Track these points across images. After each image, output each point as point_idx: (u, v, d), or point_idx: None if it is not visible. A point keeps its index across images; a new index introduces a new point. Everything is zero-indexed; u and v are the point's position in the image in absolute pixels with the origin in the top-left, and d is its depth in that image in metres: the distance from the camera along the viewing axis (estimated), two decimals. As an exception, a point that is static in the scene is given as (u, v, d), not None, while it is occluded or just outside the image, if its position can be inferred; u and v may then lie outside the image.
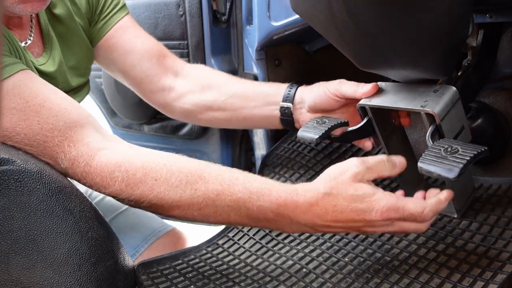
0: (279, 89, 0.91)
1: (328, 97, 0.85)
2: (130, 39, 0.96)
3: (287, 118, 0.91)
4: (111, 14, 0.95)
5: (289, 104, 0.89)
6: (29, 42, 0.81)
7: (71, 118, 0.71)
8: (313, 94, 0.87)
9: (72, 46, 0.90)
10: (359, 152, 0.97)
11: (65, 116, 0.70)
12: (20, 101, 0.67)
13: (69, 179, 0.72)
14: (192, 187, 0.68)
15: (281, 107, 0.90)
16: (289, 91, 0.90)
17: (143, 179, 0.68)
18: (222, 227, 0.89)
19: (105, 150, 0.71)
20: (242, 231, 0.86)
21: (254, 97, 0.93)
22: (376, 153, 0.96)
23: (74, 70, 0.91)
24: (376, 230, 0.65)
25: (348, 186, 0.64)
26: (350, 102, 0.85)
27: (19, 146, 0.68)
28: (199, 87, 0.97)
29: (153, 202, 0.69)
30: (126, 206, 1.11)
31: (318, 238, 0.78)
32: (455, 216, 0.76)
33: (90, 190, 1.10)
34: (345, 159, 0.96)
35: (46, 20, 0.84)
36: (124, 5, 0.98)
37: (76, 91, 0.92)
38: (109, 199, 1.11)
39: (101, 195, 1.11)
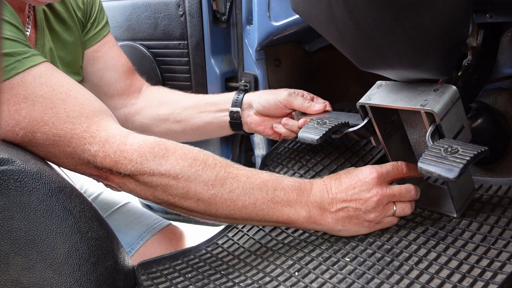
0: (228, 97, 1.01)
1: (277, 106, 0.94)
2: (113, 56, 1.02)
3: (236, 121, 1.00)
4: (101, 26, 1.00)
5: (238, 109, 0.98)
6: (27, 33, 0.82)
7: (96, 107, 0.73)
8: (262, 100, 0.96)
9: (68, 45, 0.92)
10: (359, 152, 0.97)
11: (90, 105, 0.72)
12: (47, 89, 0.69)
13: (69, 180, 0.72)
14: (226, 170, 0.73)
15: (230, 112, 0.99)
16: (237, 97, 0.99)
17: (184, 156, 0.72)
18: (222, 226, 0.89)
19: (135, 133, 0.73)
20: (242, 231, 0.86)
21: (205, 107, 1.02)
22: (377, 154, 0.96)
23: (67, 68, 0.92)
24: (372, 197, 0.72)
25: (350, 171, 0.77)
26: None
27: (45, 139, 0.68)
28: (156, 103, 1.06)
29: (191, 179, 0.71)
30: (121, 204, 1.11)
31: (317, 238, 0.78)
32: (455, 215, 0.76)
33: (84, 187, 1.11)
34: (345, 159, 0.96)
35: (42, 17, 0.86)
36: (107, 21, 1.03)
37: None
38: (104, 196, 1.12)
39: (96, 193, 1.12)
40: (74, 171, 0.75)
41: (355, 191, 0.73)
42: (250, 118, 0.98)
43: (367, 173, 0.74)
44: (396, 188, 0.75)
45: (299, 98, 0.93)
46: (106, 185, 0.76)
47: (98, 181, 0.76)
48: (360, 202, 0.72)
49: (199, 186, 0.71)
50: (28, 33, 0.82)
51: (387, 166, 0.75)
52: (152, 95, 1.07)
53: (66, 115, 0.69)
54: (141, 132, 1.07)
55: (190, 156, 0.72)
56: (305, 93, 0.96)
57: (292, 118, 0.96)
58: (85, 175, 0.75)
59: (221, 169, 0.73)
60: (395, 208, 0.75)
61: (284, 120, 0.95)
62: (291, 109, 0.94)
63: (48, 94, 0.68)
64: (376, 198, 0.72)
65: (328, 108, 0.93)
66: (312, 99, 0.95)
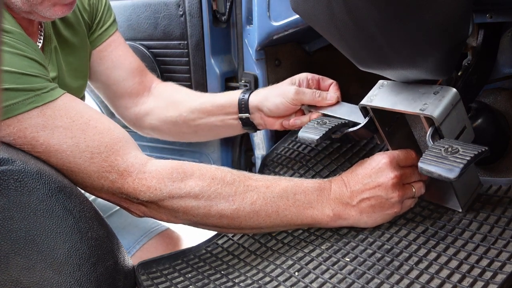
0: (233, 98, 0.97)
1: (286, 108, 0.91)
2: (120, 55, 1.00)
3: (249, 126, 0.99)
4: (107, 25, 0.98)
5: (247, 114, 0.97)
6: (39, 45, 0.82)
7: (116, 134, 0.74)
8: (270, 105, 0.93)
9: (77, 50, 0.91)
10: (360, 152, 0.97)
11: (109, 133, 0.73)
12: (66, 120, 0.70)
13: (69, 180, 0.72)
14: (245, 184, 0.74)
15: (240, 118, 0.97)
16: (242, 97, 0.96)
17: (202, 177, 0.73)
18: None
19: (153, 160, 0.74)
20: (242, 231, 0.86)
21: (212, 110, 1.00)
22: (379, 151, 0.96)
23: (76, 72, 0.92)
24: (388, 181, 0.73)
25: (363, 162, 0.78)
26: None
27: (60, 164, 0.70)
28: (164, 103, 1.04)
29: (211, 198, 0.72)
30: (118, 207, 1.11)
31: (317, 238, 0.78)
32: (460, 210, 0.76)
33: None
34: (345, 159, 0.96)
35: (49, 24, 0.85)
36: (115, 19, 1.01)
37: (76, 92, 0.93)
38: (101, 199, 1.12)
39: (93, 196, 1.12)
40: (90, 193, 0.76)
41: (371, 179, 0.74)
42: (263, 121, 0.97)
43: (379, 159, 0.75)
44: (408, 168, 0.76)
45: (308, 93, 0.89)
46: (126, 210, 0.77)
47: (116, 205, 0.77)
48: (379, 189, 0.73)
49: (220, 204, 0.72)
50: (40, 45, 0.82)
51: (397, 151, 0.77)
52: (159, 95, 1.05)
53: (85, 144, 0.70)
54: (152, 132, 1.09)
55: (208, 176, 0.73)
56: (310, 77, 0.92)
57: (302, 112, 0.94)
58: (102, 199, 0.76)
59: (240, 183, 0.74)
60: (414, 190, 0.76)
61: (293, 119, 0.93)
62: (301, 105, 0.92)
63: (68, 125, 0.70)
64: (393, 181, 0.73)
65: (336, 90, 0.90)
66: (318, 82, 0.92)
